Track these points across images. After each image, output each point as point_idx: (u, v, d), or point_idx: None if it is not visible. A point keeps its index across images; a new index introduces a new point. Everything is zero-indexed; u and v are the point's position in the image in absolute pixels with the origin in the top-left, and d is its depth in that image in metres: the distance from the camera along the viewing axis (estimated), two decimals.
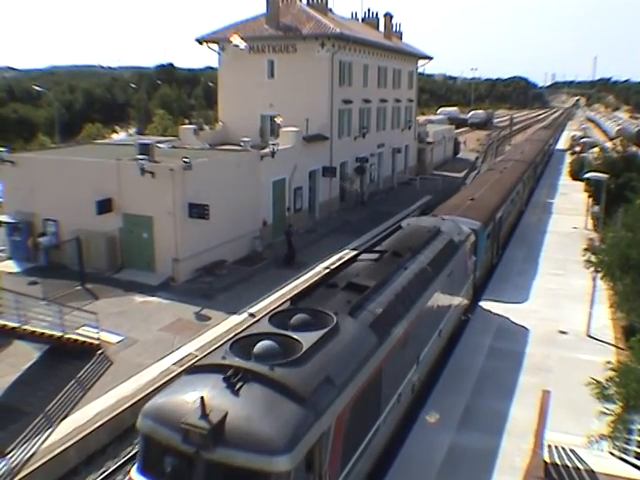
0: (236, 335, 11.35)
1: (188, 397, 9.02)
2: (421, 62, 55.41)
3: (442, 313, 17.52)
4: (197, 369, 10.02)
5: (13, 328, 16.75)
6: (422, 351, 15.29)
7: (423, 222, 20.98)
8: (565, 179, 55.32)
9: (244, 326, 19.98)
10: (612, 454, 13.27)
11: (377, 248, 17.27)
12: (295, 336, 10.47)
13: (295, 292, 17.50)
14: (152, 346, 19.02)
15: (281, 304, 21.17)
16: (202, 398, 8.55)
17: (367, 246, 18.55)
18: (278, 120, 34.79)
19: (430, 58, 55.32)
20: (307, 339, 10.35)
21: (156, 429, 8.93)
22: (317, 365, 9.96)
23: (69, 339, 18.00)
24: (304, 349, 10.02)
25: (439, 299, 16.82)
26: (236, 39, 35.80)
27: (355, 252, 19.13)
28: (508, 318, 21.80)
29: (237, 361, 9.49)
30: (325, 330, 10.77)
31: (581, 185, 44.41)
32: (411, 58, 52.73)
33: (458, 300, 19.76)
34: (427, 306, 15.42)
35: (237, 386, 8.97)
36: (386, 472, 12.92)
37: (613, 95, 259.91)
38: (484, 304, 23.02)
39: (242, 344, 10.27)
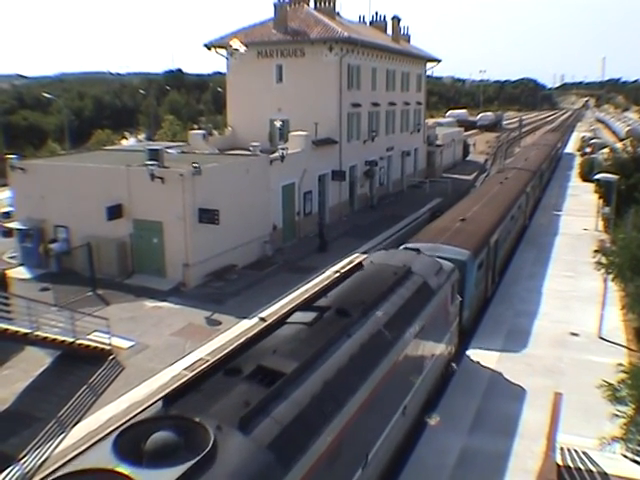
0: (56, 470, 8.49)
1: None
2: (429, 65, 55.32)
3: (407, 386, 13.36)
4: None
5: (25, 334, 16.83)
6: (373, 447, 11.19)
7: (391, 259, 16.71)
8: (575, 181, 55.05)
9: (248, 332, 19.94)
10: (625, 456, 13.17)
11: (319, 302, 12.99)
12: (138, 477, 6.87)
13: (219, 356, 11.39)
14: (163, 351, 19.07)
15: (286, 310, 19.55)
16: None
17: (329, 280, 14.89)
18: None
19: (438, 60, 55.27)
20: None
21: None
22: None
23: (81, 345, 18.08)
24: None
25: (401, 370, 12.65)
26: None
27: (289, 308, 13.73)
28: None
29: None
30: (190, 463, 7.08)
31: (591, 186, 44.23)
32: (419, 61, 52.70)
33: (434, 357, 15.52)
34: (380, 385, 11.27)
35: None
36: (398, 476, 12.91)
37: (622, 95, 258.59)
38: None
39: None
